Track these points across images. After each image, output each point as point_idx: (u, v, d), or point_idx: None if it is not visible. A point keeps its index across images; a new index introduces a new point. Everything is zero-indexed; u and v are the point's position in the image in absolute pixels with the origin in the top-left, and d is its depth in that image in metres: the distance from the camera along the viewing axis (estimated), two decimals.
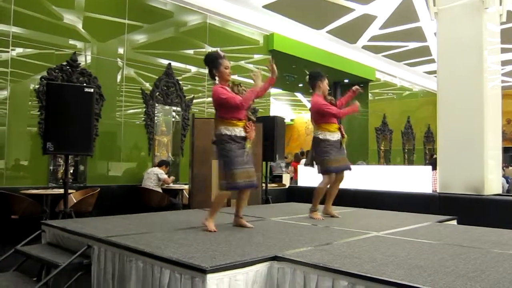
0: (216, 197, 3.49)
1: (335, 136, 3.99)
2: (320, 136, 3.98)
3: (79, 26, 6.63)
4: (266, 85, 3.45)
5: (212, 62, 3.34)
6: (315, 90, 4.08)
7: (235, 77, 7.84)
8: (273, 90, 12.44)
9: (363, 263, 2.22)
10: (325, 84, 4.07)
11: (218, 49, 3.41)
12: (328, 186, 4.07)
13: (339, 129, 4.03)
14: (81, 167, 6.70)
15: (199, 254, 2.37)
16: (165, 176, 6.86)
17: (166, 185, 6.87)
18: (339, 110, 4.06)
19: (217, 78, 3.36)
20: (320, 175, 4.06)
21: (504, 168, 9.96)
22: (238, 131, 3.27)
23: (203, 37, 8.28)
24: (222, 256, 2.32)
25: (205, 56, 3.42)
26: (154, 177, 6.78)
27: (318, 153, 4.02)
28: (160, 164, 7.07)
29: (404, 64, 13.42)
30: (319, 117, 4.02)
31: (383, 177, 6.50)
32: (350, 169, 4.10)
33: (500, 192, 5.60)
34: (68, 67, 6.37)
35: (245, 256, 2.34)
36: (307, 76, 4.15)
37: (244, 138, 3.28)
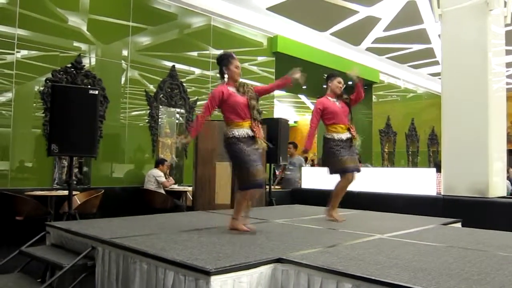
0: (238, 197, 3.30)
1: (343, 135, 3.96)
2: (328, 136, 4.00)
3: (84, 28, 6.67)
4: (280, 82, 3.50)
5: (223, 60, 3.35)
6: (327, 91, 4.17)
7: None
8: (276, 92, 12.41)
9: (367, 265, 2.22)
10: (333, 84, 4.10)
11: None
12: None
13: (348, 129, 4.00)
14: (85, 169, 6.72)
15: (203, 256, 2.37)
16: (163, 180, 6.72)
17: (165, 188, 6.76)
18: (310, 133, 4.04)
19: (226, 77, 3.35)
20: (333, 176, 4.00)
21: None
22: (245, 131, 3.23)
23: (207, 39, 8.30)
24: (226, 258, 2.32)
25: (218, 55, 3.44)
26: (153, 179, 6.72)
27: (328, 154, 4.00)
28: (158, 164, 6.92)
29: (408, 66, 13.38)
30: (323, 119, 4.06)
31: (387, 179, 6.48)
32: (359, 170, 4.02)
33: (504, 194, 5.57)
34: (72, 69, 6.40)
35: (249, 258, 2.34)
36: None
37: (253, 137, 3.23)
